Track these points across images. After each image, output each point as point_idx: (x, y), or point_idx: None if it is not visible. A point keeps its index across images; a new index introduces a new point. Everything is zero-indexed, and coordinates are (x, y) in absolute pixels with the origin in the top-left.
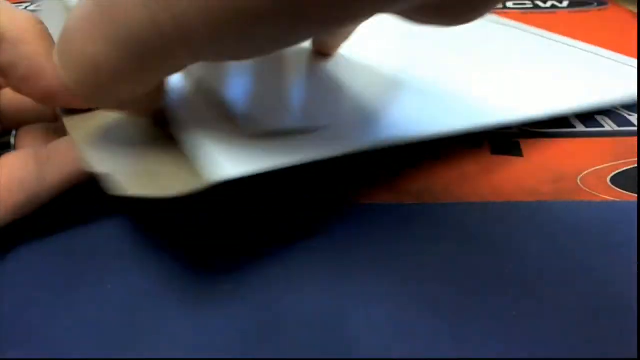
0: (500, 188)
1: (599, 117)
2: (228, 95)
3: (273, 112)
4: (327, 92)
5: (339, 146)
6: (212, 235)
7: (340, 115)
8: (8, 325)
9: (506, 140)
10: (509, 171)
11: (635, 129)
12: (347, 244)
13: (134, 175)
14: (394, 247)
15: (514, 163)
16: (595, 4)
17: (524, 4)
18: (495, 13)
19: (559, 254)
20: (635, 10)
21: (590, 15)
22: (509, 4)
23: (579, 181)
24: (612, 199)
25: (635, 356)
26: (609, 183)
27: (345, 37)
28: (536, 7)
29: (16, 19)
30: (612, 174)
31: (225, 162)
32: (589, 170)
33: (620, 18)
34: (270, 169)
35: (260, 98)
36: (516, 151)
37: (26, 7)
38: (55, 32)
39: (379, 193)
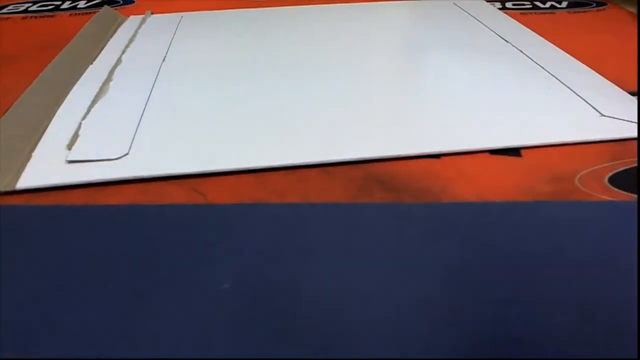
0: (499, 188)
1: None
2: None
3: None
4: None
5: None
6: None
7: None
8: (8, 325)
9: None
10: (507, 171)
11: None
12: (347, 243)
13: None
14: (394, 247)
15: (512, 163)
16: (594, 4)
17: (523, 4)
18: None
19: (557, 253)
20: (634, 11)
21: (589, 16)
22: (508, 4)
23: (577, 181)
24: (609, 198)
25: (635, 356)
26: (607, 183)
27: None
28: (535, 7)
29: None
30: (610, 174)
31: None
32: (587, 171)
33: (619, 18)
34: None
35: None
36: (514, 152)
37: (27, 8)
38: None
39: (378, 192)
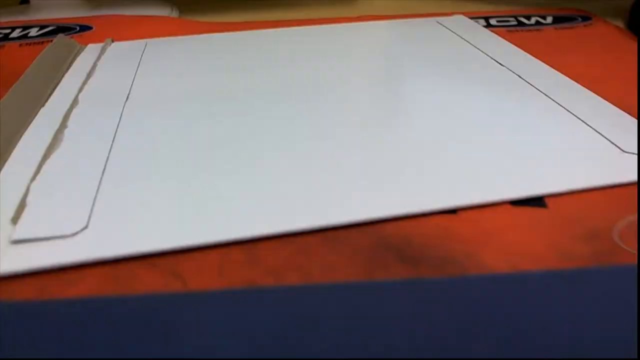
0: (530, 249)
1: None
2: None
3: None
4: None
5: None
6: None
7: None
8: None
9: None
10: (536, 227)
11: None
12: (365, 338)
13: None
14: (422, 344)
15: (538, 216)
16: (579, 19)
17: (508, 21)
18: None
19: (612, 337)
20: (620, 24)
21: (577, 32)
22: (493, 21)
23: (616, 237)
24: None
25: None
26: None
27: None
28: (521, 23)
29: None
30: None
31: None
32: (625, 222)
33: (607, 33)
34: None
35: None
36: (538, 202)
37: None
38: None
39: (393, 264)
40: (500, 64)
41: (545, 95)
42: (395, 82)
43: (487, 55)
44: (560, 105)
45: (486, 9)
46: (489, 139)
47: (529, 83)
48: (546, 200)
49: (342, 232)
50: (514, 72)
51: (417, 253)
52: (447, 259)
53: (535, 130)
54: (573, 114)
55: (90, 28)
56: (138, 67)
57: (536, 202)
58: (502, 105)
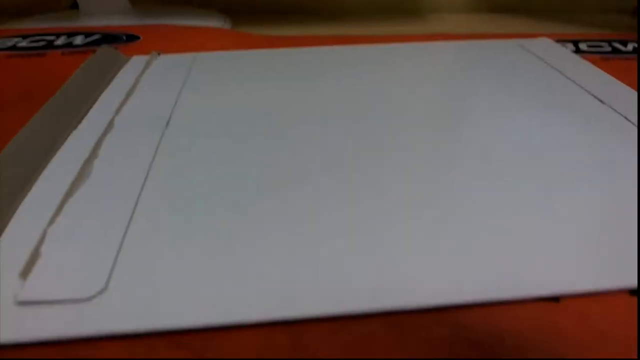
0: None
1: None
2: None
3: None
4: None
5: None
6: None
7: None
8: None
9: None
10: None
11: None
12: None
13: None
14: None
15: None
16: None
17: (601, 46)
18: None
19: None
20: None
21: None
22: (582, 46)
23: None
24: None
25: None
26: None
27: None
28: (615, 50)
29: None
30: None
31: None
32: None
33: None
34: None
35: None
36: None
37: (15, 44)
38: None
39: None
40: (600, 100)
41: None
42: (472, 121)
43: (583, 89)
44: None
45: (570, 29)
46: (596, 204)
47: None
48: None
49: (410, 317)
50: (619, 113)
51: (509, 355)
52: None
53: None
54: None
55: (137, 38)
56: (183, 86)
57: None
58: (610, 155)
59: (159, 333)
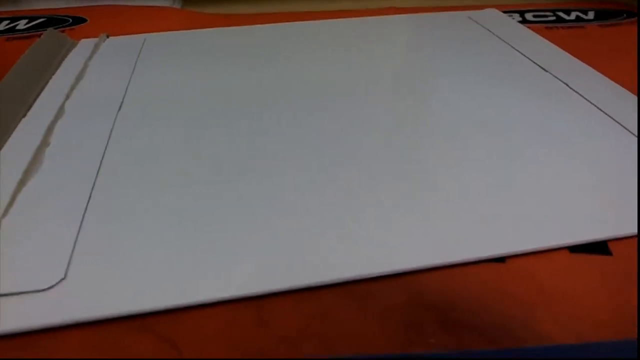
0: (599, 313)
1: None
2: None
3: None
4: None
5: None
6: None
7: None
8: None
9: None
10: (602, 282)
11: None
12: None
13: None
14: None
15: (603, 267)
16: (624, 15)
17: (546, 16)
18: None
19: None
20: None
21: (624, 30)
22: (529, 16)
23: None
24: None
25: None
26: None
27: None
28: (560, 19)
29: None
30: None
31: None
32: None
33: None
34: None
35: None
36: (602, 248)
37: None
38: None
39: (433, 330)
40: (543, 68)
41: (605, 113)
42: (424, 91)
43: (527, 58)
44: (623, 127)
45: (520, 1)
46: (539, 170)
47: (582, 96)
48: (610, 246)
49: (368, 286)
50: (560, 80)
51: (462, 316)
52: (498, 326)
53: (596, 159)
54: (633, 134)
55: (84, 20)
56: (134, 68)
57: (599, 248)
58: (552, 123)
59: (122, 318)
